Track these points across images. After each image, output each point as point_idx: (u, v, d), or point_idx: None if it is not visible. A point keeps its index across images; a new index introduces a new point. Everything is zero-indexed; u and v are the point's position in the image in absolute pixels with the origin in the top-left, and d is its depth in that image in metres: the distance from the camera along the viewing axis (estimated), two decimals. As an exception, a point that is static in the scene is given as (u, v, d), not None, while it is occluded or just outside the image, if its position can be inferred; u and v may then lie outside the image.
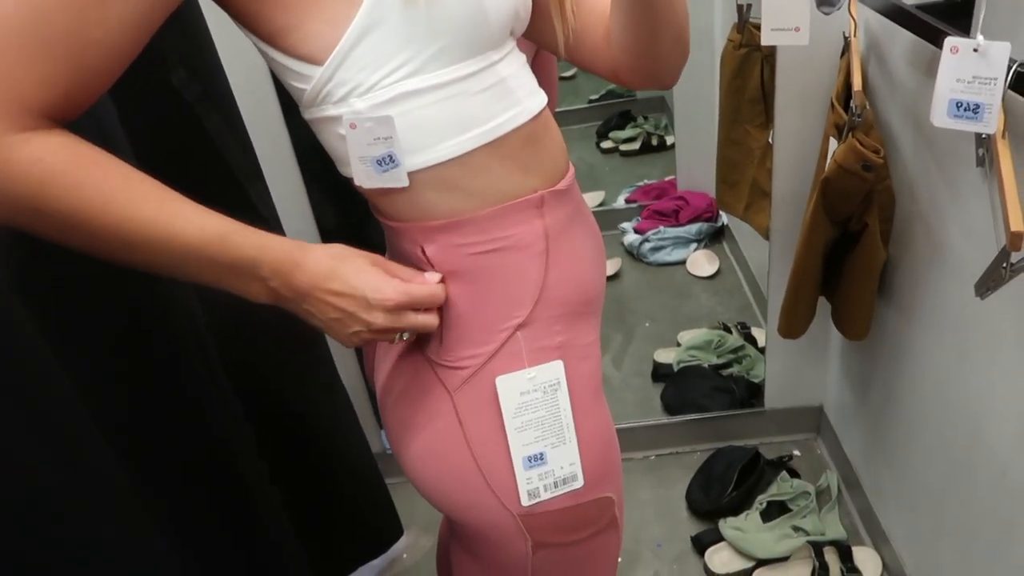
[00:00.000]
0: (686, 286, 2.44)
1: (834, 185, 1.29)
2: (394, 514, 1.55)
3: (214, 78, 1.11)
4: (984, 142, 1.01)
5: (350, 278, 0.69)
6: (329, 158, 0.76)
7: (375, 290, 0.69)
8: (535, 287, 0.75)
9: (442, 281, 0.74)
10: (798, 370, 1.83)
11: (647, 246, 2.55)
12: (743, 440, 1.91)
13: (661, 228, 2.56)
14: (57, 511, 0.71)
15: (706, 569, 1.63)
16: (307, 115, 0.73)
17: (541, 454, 0.76)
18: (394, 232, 0.77)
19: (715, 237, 2.56)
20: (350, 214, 1.59)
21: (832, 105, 1.34)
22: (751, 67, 1.73)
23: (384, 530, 1.53)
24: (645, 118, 3.15)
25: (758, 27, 1.34)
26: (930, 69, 1.17)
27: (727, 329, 2.16)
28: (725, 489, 1.75)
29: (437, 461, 0.78)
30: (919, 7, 1.16)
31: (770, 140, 1.58)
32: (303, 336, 1.22)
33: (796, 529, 1.64)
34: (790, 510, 1.67)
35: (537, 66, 0.87)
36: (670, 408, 2.00)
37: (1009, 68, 0.90)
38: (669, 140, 2.98)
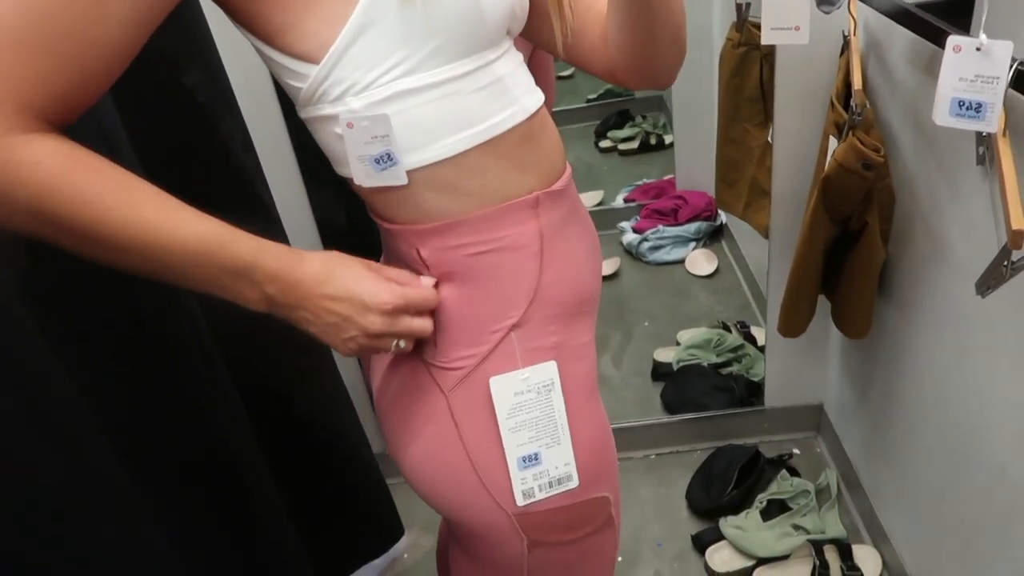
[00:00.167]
0: (685, 285, 2.44)
1: (834, 183, 1.29)
2: (395, 514, 1.55)
3: (218, 79, 1.12)
4: (984, 140, 1.01)
5: (346, 282, 0.69)
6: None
7: (371, 294, 0.69)
8: (529, 287, 0.75)
9: (436, 286, 0.74)
10: (798, 369, 1.83)
11: (646, 245, 2.55)
12: (743, 439, 1.91)
13: (660, 227, 2.56)
14: (57, 510, 0.71)
15: (706, 568, 1.63)
16: (303, 114, 0.73)
17: (536, 454, 0.76)
18: (390, 234, 0.77)
19: (714, 236, 2.56)
20: (350, 214, 1.59)
21: (832, 104, 1.34)
22: (750, 66, 1.73)
23: (385, 530, 1.53)
24: (644, 117, 3.14)
25: (757, 26, 1.34)
26: (930, 68, 1.17)
27: (726, 328, 2.16)
28: (725, 488, 1.75)
29: (433, 462, 0.78)
30: (919, 6, 1.16)
31: (769, 139, 1.58)
32: (303, 335, 1.22)
33: (796, 528, 1.64)
34: (790, 509, 1.67)
35: (534, 65, 0.87)
36: (670, 407, 2.00)
37: (1010, 67, 0.90)
38: (668, 139, 2.98)
